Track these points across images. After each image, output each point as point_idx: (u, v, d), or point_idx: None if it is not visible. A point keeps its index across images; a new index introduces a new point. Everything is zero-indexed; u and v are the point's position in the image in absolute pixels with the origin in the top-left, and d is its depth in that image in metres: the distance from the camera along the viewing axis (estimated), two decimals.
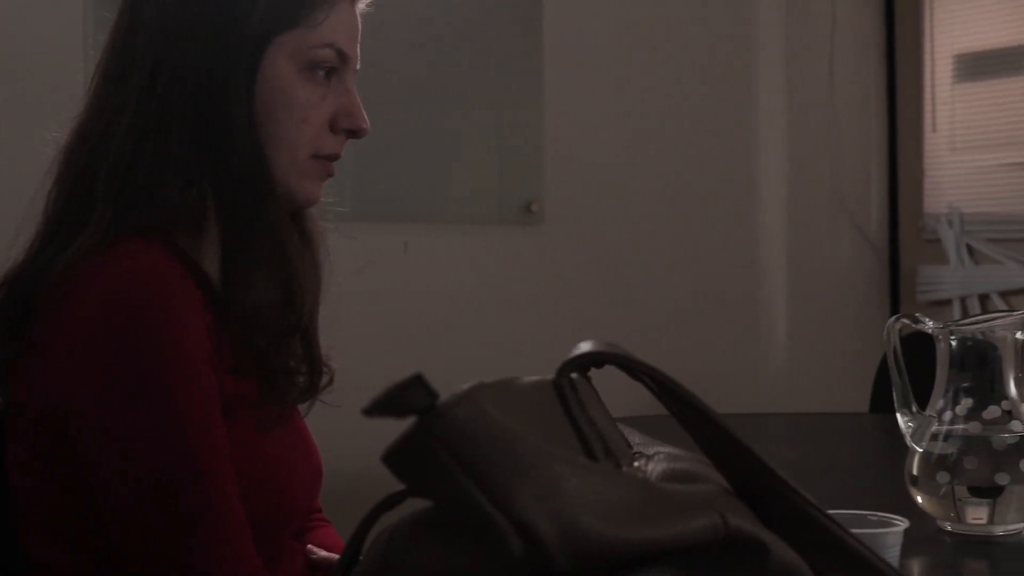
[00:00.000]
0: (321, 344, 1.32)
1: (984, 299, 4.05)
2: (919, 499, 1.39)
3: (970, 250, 4.10)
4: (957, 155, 4.13)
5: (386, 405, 0.57)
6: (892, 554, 1.00)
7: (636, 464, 0.72)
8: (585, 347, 0.69)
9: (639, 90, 3.60)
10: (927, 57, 4.18)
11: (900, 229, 4.31)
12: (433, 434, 0.57)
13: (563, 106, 3.35)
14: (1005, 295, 4.01)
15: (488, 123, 3.27)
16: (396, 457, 0.59)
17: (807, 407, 3.82)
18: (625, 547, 0.59)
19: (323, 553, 1.36)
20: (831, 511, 1.06)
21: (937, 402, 1.39)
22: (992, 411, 1.36)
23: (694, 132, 3.76)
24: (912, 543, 1.36)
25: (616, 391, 0.91)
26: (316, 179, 1.28)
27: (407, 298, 3.14)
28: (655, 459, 0.75)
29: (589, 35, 3.47)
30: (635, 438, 0.84)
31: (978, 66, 4.05)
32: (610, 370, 0.74)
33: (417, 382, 0.57)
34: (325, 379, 1.33)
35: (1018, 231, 3.98)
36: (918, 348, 1.48)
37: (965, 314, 3.92)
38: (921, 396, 1.44)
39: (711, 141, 3.83)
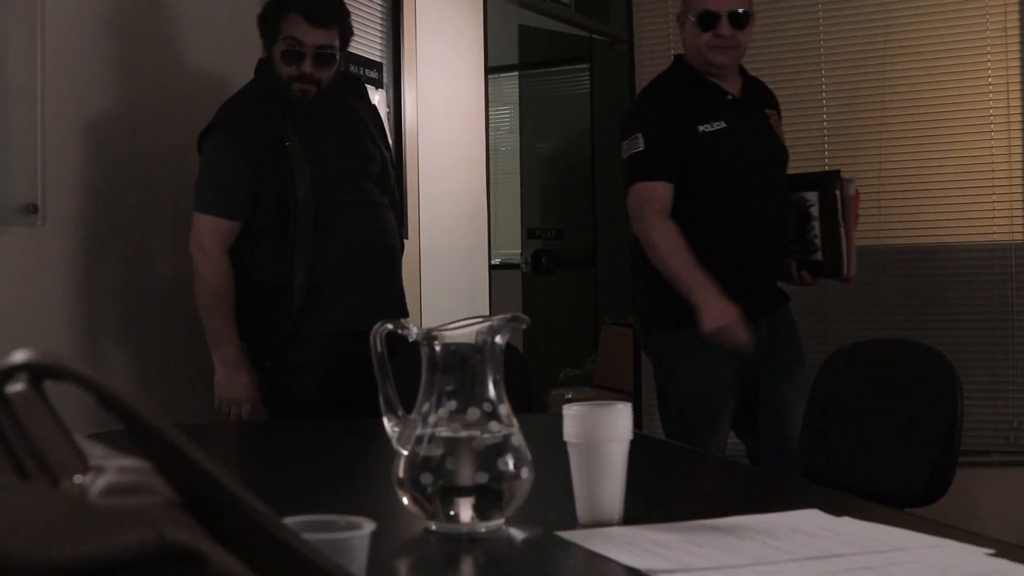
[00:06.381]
0: None
1: None
2: (406, 500, 1.43)
3: None
4: None
5: None
6: (359, 557, 1.01)
7: (78, 480, 0.69)
8: (17, 358, 0.65)
9: (138, 89, 3.44)
10: None
11: None
12: None
13: (62, 105, 3.15)
14: None
15: None
16: None
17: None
18: (50, 567, 0.56)
19: None
20: (302, 517, 1.07)
21: (423, 406, 1.44)
22: (473, 413, 1.42)
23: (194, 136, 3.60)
24: (398, 544, 1.40)
25: None
26: None
27: None
28: (104, 473, 0.72)
29: (88, 31, 3.29)
30: (97, 451, 0.81)
31: None
32: None
33: None
34: None
35: None
36: None
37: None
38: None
39: None
